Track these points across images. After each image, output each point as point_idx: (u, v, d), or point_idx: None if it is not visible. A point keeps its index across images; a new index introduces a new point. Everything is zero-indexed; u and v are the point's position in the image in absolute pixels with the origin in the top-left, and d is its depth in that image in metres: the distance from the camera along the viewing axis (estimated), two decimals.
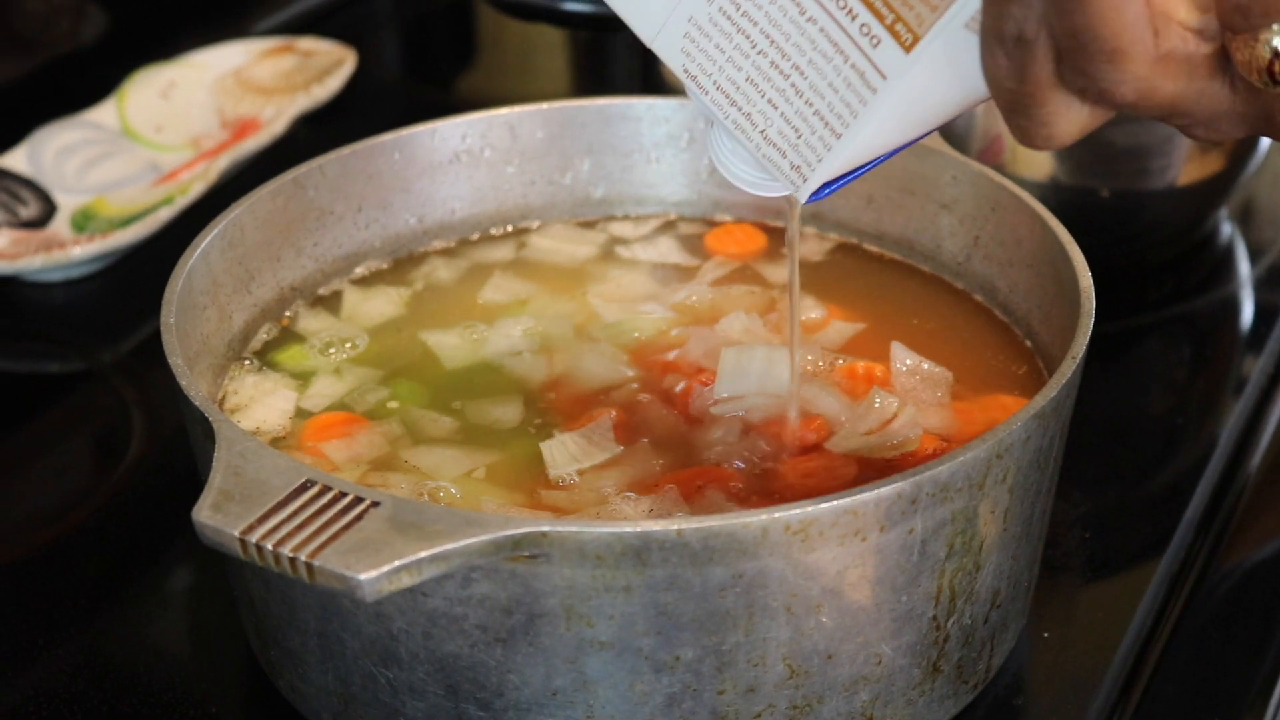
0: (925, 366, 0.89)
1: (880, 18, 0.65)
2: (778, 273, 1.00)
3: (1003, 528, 0.76)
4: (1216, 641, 0.89)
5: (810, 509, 0.68)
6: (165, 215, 1.22)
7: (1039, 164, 1.14)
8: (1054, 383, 0.76)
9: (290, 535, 0.66)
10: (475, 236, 1.04)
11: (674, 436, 0.86)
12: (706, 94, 0.71)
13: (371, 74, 1.51)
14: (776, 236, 1.04)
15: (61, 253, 1.18)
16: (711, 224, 1.05)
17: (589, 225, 1.06)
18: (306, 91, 1.38)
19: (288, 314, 0.96)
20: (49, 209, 1.25)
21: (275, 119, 1.34)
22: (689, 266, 1.02)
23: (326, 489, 0.68)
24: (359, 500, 0.67)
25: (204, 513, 0.67)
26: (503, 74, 1.67)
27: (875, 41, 0.65)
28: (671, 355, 0.92)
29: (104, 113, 1.35)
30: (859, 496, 0.69)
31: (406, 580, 0.65)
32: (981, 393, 0.89)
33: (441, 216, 1.03)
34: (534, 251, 1.03)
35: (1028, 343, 0.92)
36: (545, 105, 1.03)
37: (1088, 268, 0.84)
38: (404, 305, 0.98)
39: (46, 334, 1.19)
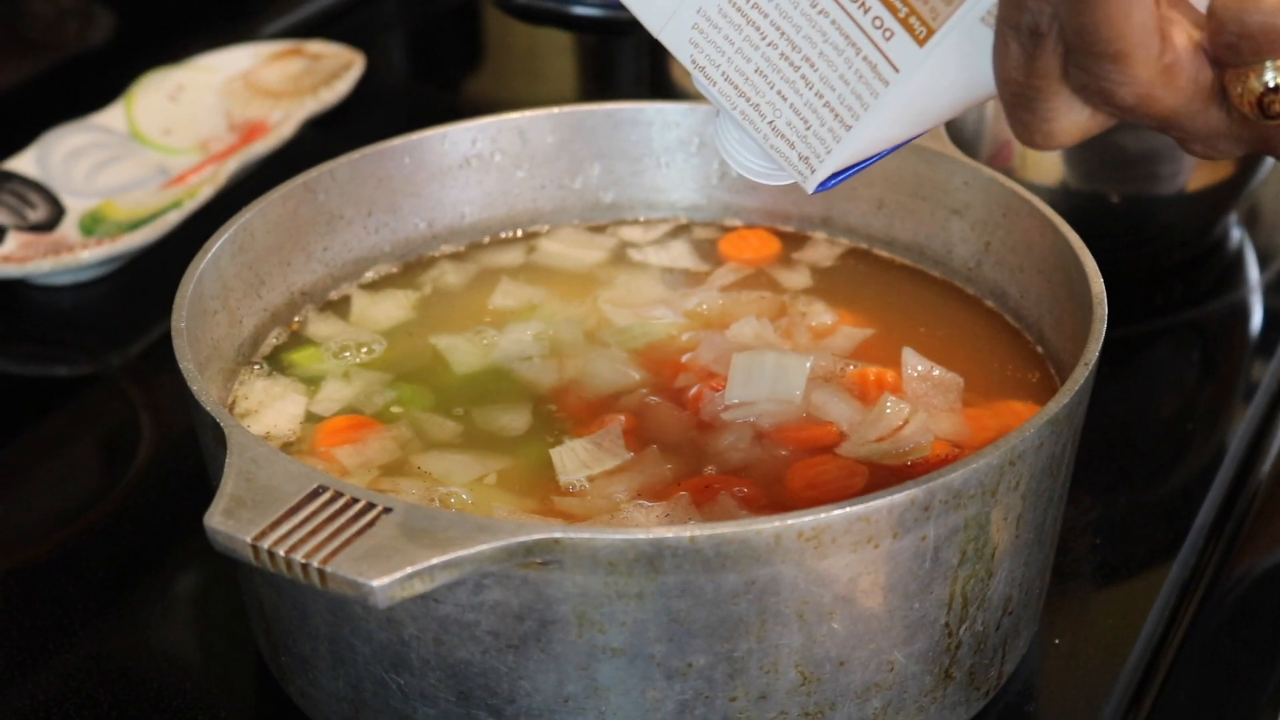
0: (936, 372, 0.88)
1: (894, 10, 0.65)
2: (790, 278, 1.00)
3: (1015, 534, 0.76)
4: (1228, 648, 0.89)
5: (823, 516, 0.68)
6: (174, 219, 1.22)
7: (1049, 169, 1.14)
8: (1067, 389, 0.75)
9: (302, 541, 0.66)
10: (485, 241, 1.04)
11: (685, 442, 0.86)
12: (715, 85, 0.70)
13: (380, 77, 1.51)
14: (789, 242, 1.03)
15: (70, 256, 1.18)
16: (724, 229, 1.05)
17: (599, 230, 1.06)
18: (315, 95, 1.38)
19: (297, 319, 0.96)
20: (57, 212, 1.25)
21: (283, 122, 1.34)
22: (699, 272, 1.02)
23: (338, 495, 0.68)
24: (371, 506, 0.67)
25: (216, 519, 0.67)
26: (510, 78, 1.67)
27: (888, 34, 0.65)
28: (684, 359, 0.92)
29: (112, 116, 1.35)
30: (872, 503, 0.69)
31: (419, 587, 0.65)
32: (993, 399, 0.88)
33: (451, 221, 1.03)
34: (544, 256, 1.03)
35: (1039, 348, 0.92)
36: (556, 110, 1.03)
37: (1099, 273, 0.83)
38: (413, 310, 0.98)
39: (55, 338, 1.19)
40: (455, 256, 1.03)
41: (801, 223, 1.04)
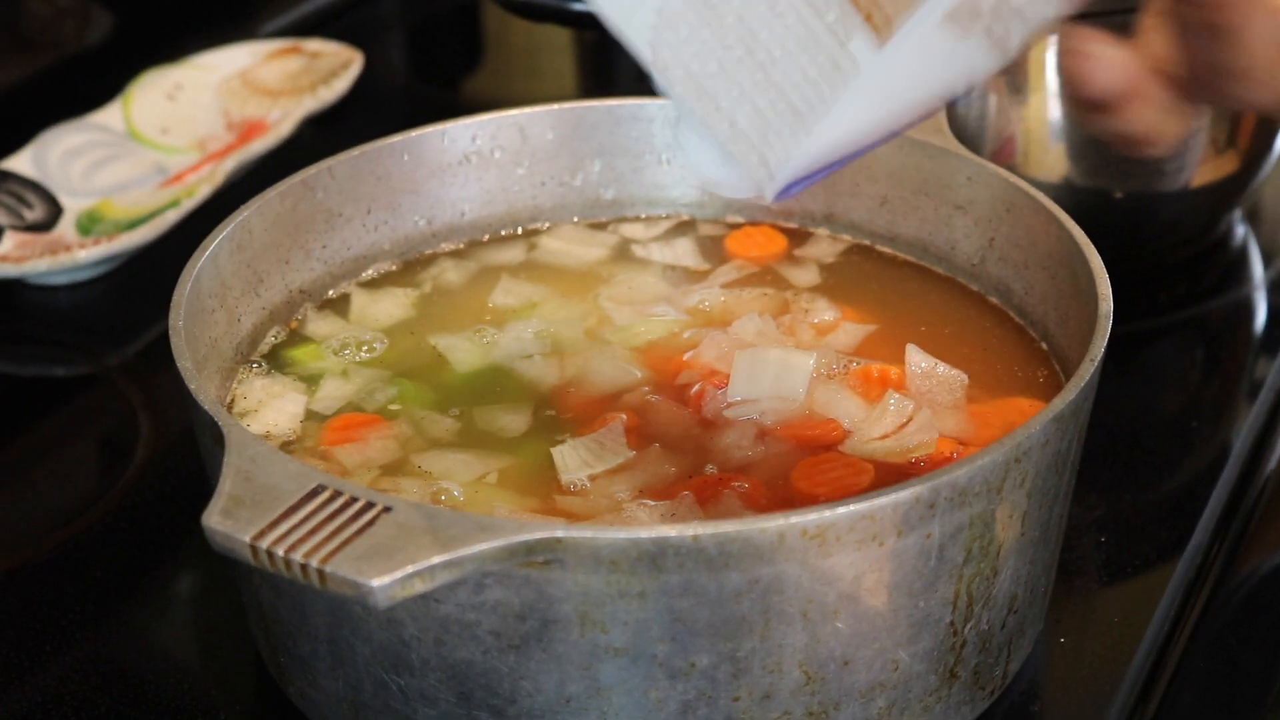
0: (940, 369, 0.88)
1: (856, 7, 0.64)
2: (796, 275, 1.00)
3: (1020, 532, 0.75)
4: (1234, 646, 0.89)
5: (827, 514, 0.68)
6: (171, 218, 1.21)
7: (1052, 165, 1.13)
8: (1072, 385, 0.75)
9: (302, 541, 0.65)
10: (485, 238, 1.04)
11: (687, 440, 0.85)
12: (675, 85, 0.69)
13: (378, 75, 1.50)
14: (794, 238, 1.03)
15: (67, 256, 1.18)
16: (727, 225, 1.05)
17: (600, 227, 1.05)
18: (313, 93, 1.37)
19: (296, 317, 0.96)
20: (55, 212, 1.25)
21: (282, 121, 1.33)
22: (701, 269, 1.01)
23: (338, 494, 0.67)
24: (371, 505, 0.67)
25: (214, 518, 0.66)
26: (510, 75, 1.66)
27: (849, 32, 0.65)
28: (686, 357, 0.91)
29: (110, 115, 1.34)
30: (876, 501, 0.68)
31: (419, 586, 0.64)
32: (997, 395, 0.88)
33: (451, 218, 1.03)
34: (544, 254, 1.03)
35: (1043, 345, 0.92)
36: (555, 106, 1.03)
37: (1105, 270, 0.83)
38: (413, 308, 0.98)
39: (52, 337, 1.18)
40: (455, 254, 1.02)
41: (804, 219, 1.04)
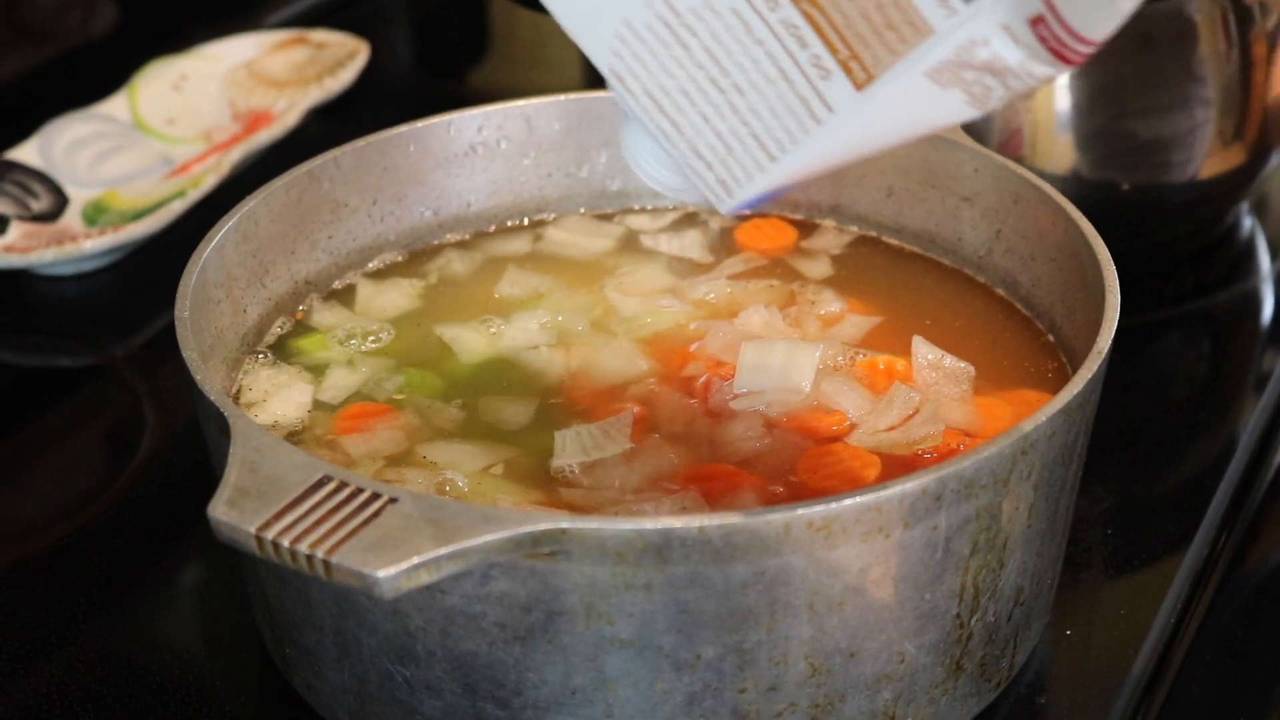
0: (947, 361, 0.88)
1: (834, 50, 0.63)
2: (803, 266, 0.99)
3: (1027, 524, 0.75)
4: (1241, 639, 0.89)
5: (833, 505, 0.68)
6: (177, 208, 1.21)
7: (1059, 157, 1.13)
8: (1080, 377, 0.75)
9: (307, 532, 0.65)
10: (491, 229, 1.04)
11: (693, 432, 0.85)
12: (635, 99, 0.68)
13: (384, 66, 1.50)
14: (802, 230, 1.03)
15: (73, 246, 1.18)
16: (737, 218, 1.04)
17: (606, 218, 1.05)
18: (319, 84, 1.37)
19: (302, 308, 0.96)
20: (60, 202, 1.24)
21: (287, 111, 1.33)
22: (707, 262, 1.01)
23: (344, 485, 0.67)
24: (376, 496, 0.66)
25: (220, 509, 0.66)
26: (516, 66, 1.66)
27: (825, 74, 0.63)
28: (692, 348, 0.91)
29: (115, 105, 1.34)
30: (883, 493, 0.68)
31: (424, 577, 0.64)
32: (1004, 387, 0.88)
33: (457, 209, 1.02)
34: (550, 244, 1.02)
35: (1050, 337, 0.91)
36: (562, 97, 1.02)
37: (1112, 262, 0.83)
38: (419, 298, 0.98)
39: (58, 328, 1.18)
40: (461, 245, 1.02)
41: (810, 210, 1.03)
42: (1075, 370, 0.76)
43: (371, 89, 1.43)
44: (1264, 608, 0.91)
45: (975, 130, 1.15)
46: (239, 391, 0.89)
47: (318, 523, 0.65)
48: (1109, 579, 0.92)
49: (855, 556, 0.69)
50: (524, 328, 0.94)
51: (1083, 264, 0.85)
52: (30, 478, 1.05)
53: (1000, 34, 0.59)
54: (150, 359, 1.13)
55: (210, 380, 0.76)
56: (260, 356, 0.92)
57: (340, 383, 0.90)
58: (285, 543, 0.65)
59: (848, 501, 0.68)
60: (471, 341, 0.93)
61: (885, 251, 1.01)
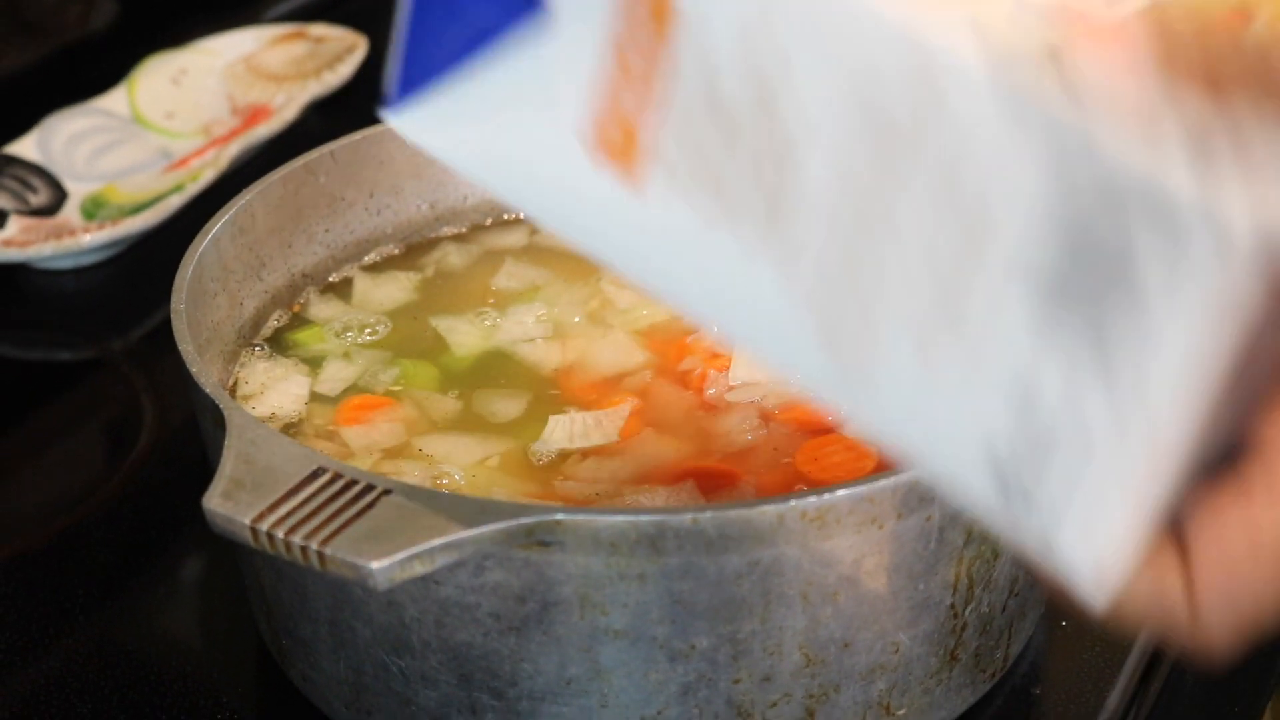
0: None
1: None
2: None
3: None
4: None
5: (827, 496, 0.68)
6: (176, 202, 1.21)
7: None
8: None
9: (302, 523, 0.65)
10: (488, 222, 1.04)
11: (689, 423, 0.85)
12: None
13: (383, 60, 1.50)
14: None
15: (72, 240, 1.18)
16: None
17: None
18: (318, 78, 1.37)
19: (299, 301, 0.96)
20: (59, 196, 1.25)
21: (286, 106, 1.33)
22: None
23: (338, 476, 0.67)
24: (370, 488, 0.67)
25: (215, 500, 0.66)
26: None
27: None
28: (688, 340, 0.91)
29: (114, 100, 1.34)
30: (876, 484, 0.68)
31: (419, 569, 0.64)
32: None
33: (454, 202, 1.02)
34: (547, 238, 1.02)
35: None
36: None
37: None
38: (415, 291, 0.98)
39: (56, 322, 1.19)
40: (458, 238, 1.02)
41: None
42: None
43: (370, 83, 1.43)
44: None
45: None
46: (236, 384, 0.89)
47: (312, 514, 0.66)
48: None
49: (849, 547, 0.70)
50: (520, 320, 0.94)
51: None
52: (29, 471, 1.05)
53: None
54: (149, 352, 1.14)
55: (206, 373, 0.76)
56: (257, 349, 0.92)
57: (337, 375, 0.90)
58: (279, 534, 0.65)
59: (841, 492, 0.68)
60: (467, 334, 0.93)
61: None
